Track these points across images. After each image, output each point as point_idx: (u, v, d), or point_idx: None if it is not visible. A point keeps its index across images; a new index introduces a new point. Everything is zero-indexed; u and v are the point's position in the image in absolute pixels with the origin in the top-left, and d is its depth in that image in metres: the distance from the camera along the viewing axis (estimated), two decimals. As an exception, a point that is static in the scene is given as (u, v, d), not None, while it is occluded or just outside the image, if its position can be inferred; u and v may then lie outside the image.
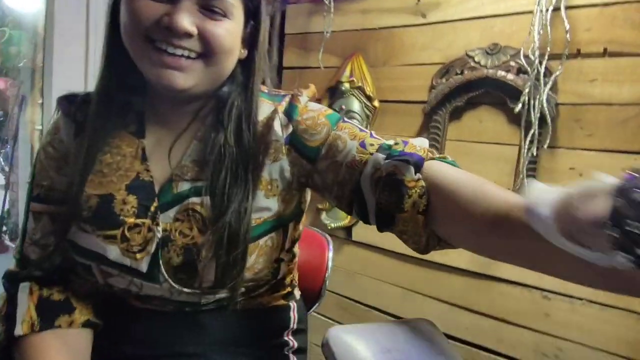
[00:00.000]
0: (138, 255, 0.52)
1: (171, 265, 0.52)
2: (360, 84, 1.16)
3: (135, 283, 0.53)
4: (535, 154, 0.90)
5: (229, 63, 0.52)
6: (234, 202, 0.51)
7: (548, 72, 0.90)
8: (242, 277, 0.53)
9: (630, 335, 0.85)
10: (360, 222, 1.15)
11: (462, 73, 1.01)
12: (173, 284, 0.52)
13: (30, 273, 0.56)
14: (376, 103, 1.17)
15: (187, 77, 0.49)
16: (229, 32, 0.49)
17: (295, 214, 0.61)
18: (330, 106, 1.23)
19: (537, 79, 0.90)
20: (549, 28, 0.87)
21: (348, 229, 1.25)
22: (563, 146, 0.92)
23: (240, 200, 0.52)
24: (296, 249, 0.69)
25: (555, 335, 0.93)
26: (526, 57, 0.91)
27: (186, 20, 0.45)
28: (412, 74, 1.12)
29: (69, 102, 0.58)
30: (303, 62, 1.34)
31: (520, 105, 0.89)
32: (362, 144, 0.51)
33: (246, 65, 0.55)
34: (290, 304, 0.69)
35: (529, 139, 0.89)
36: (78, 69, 1.29)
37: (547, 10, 0.88)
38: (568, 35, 0.87)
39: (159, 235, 0.52)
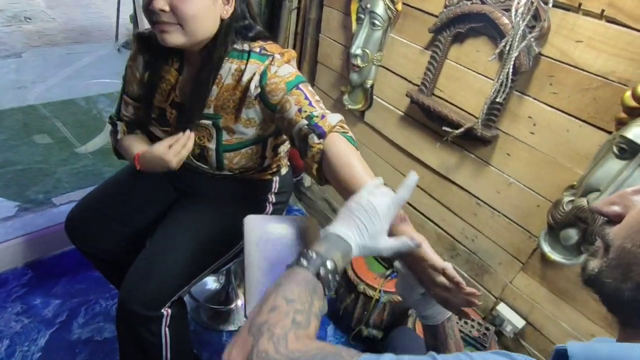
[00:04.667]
0: None
1: (194, 152, 0.96)
2: (385, -14, 1.20)
3: None
4: (502, 97, 1.01)
5: (203, 26, 0.78)
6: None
7: (540, 19, 0.90)
8: (223, 166, 0.95)
9: (519, 244, 1.16)
10: (373, 108, 1.44)
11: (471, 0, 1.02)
12: (196, 162, 0.98)
13: (122, 120, 1.04)
14: (399, 6, 1.23)
15: (172, 37, 0.79)
16: (193, 4, 0.74)
17: (273, 134, 0.98)
18: (359, 2, 1.31)
19: (531, 26, 0.92)
20: None
21: (362, 112, 1.53)
22: (531, 96, 1.01)
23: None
24: (282, 147, 1.08)
25: (476, 228, 1.27)
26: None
27: (159, 2, 0.74)
28: (436, -17, 1.12)
29: (141, 40, 0.93)
30: (348, -61, 1.33)
31: (495, 55, 0.95)
32: (299, 110, 0.81)
33: (229, 24, 0.81)
34: (274, 178, 1.13)
35: (496, 86, 0.99)
36: None
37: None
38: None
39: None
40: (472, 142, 1.16)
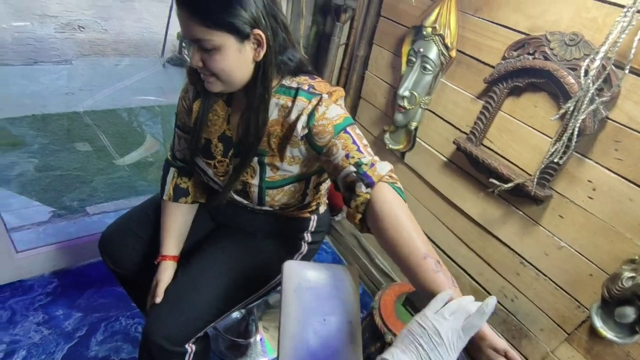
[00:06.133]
0: (221, 178, 0.96)
1: (235, 187, 0.95)
2: (441, 32, 1.18)
3: (219, 189, 0.99)
4: (558, 159, 0.96)
5: (236, 75, 0.78)
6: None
7: (610, 85, 0.86)
8: (264, 202, 0.94)
9: (565, 312, 1.08)
10: (415, 150, 1.41)
11: (533, 54, 0.99)
12: (236, 197, 0.97)
13: (175, 164, 1.06)
14: (453, 53, 1.21)
15: (212, 86, 0.81)
16: (220, 59, 0.74)
17: (316, 172, 0.96)
18: (412, 45, 1.30)
19: (599, 88, 0.88)
20: (626, 32, 0.79)
21: (403, 153, 1.50)
22: (593, 159, 0.95)
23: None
24: (324, 185, 1.05)
25: (517, 288, 1.20)
26: (593, 61, 0.86)
27: (195, 59, 0.76)
28: (495, 33, 1.10)
29: (192, 74, 0.94)
30: (405, -16, 1.34)
31: (558, 115, 0.91)
32: (347, 156, 0.79)
33: (264, 65, 0.79)
34: (313, 216, 1.10)
35: (555, 146, 0.95)
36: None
37: (638, 11, 0.78)
38: (635, 48, 0.79)
39: (230, 171, 0.94)
40: (521, 198, 1.11)
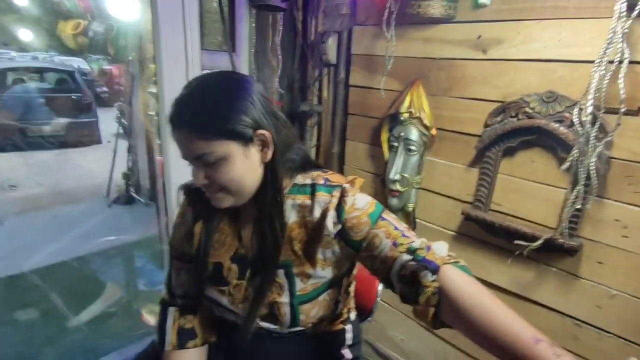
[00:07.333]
0: (240, 305, 0.79)
1: (260, 313, 0.78)
2: (418, 115, 1.25)
3: (239, 319, 0.81)
4: (580, 205, 0.96)
5: (246, 183, 0.70)
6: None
7: (603, 128, 0.92)
8: (298, 322, 0.78)
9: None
10: (417, 232, 1.33)
11: (516, 116, 1.06)
12: (261, 324, 0.79)
13: (175, 302, 0.87)
14: (433, 131, 1.27)
15: (222, 202, 0.71)
16: (228, 170, 0.67)
17: (348, 271, 0.83)
18: (390, 131, 1.35)
19: (591, 133, 0.93)
20: (606, 81, 0.87)
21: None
22: (611, 198, 0.97)
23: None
24: (352, 287, 0.92)
25: (581, 355, 1.07)
26: (582, 109, 0.93)
27: (199, 177, 0.68)
28: (470, 107, 1.18)
29: (189, 192, 0.84)
30: (367, 82, 1.44)
31: (567, 164, 0.94)
32: (394, 243, 0.69)
33: (272, 165, 0.71)
34: (346, 326, 0.94)
35: (574, 192, 0.95)
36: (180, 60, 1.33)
37: (611, 62, 0.88)
38: (622, 92, 0.87)
39: (251, 294, 0.78)
40: (551, 254, 1.07)
